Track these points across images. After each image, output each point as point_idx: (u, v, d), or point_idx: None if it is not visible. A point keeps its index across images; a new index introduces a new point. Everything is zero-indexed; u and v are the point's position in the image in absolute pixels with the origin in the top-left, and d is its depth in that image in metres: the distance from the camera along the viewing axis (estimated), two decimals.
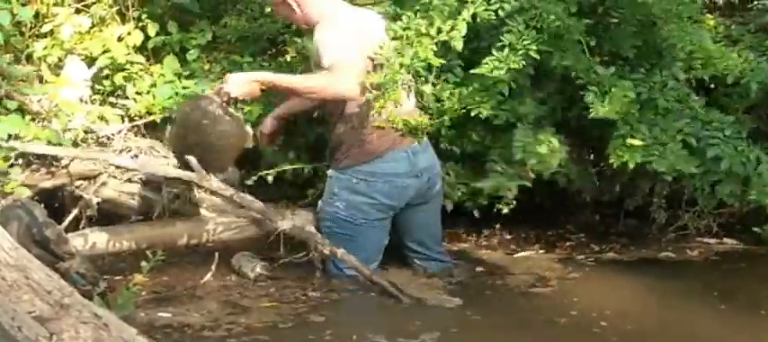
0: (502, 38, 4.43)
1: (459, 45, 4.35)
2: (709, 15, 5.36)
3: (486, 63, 4.38)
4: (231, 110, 4.62)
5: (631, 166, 4.61)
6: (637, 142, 4.57)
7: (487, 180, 4.95)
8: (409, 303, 4.48)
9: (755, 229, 5.25)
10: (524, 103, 4.84)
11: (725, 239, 5.71)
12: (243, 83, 4.57)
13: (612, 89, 4.59)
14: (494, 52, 4.41)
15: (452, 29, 4.28)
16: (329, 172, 4.77)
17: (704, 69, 4.75)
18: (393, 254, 4.96)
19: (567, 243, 5.60)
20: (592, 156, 5.32)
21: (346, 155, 4.68)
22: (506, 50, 4.40)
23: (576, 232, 5.74)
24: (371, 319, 4.40)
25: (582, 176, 5.36)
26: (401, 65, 4.19)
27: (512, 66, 4.35)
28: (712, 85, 5.13)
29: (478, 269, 5.06)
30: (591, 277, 5.00)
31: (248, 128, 4.78)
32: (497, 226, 5.59)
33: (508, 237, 5.64)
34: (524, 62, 4.41)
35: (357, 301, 4.62)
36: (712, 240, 5.66)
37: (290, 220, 4.85)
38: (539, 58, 4.47)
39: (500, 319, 4.36)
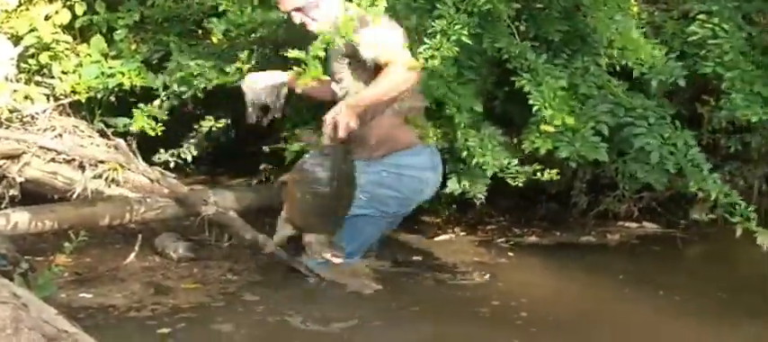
0: (433, 24, 4.38)
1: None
2: (633, 1, 5.39)
3: (421, 52, 4.30)
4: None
5: (542, 151, 4.57)
6: (550, 128, 4.52)
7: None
8: (329, 287, 4.50)
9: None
10: (465, 94, 4.77)
11: (645, 224, 5.79)
12: (350, 117, 4.18)
13: (546, 78, 4.59)
14: (426, 40, 4.35)
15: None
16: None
17: (621, 58, 4.77)
18: None
19: (488, 227, 5.62)
20: (515, 140, 5.28)
21: (378, 147, 4.52)
22: (439, 37, 4.33)
23: (496, 216, 5.75)
24: (293, 302, 4.33)
25: None
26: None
27: (446, 54, 4.28)
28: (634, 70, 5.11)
29: (398, 254, 5.05)
30: (511, 262, 5.03)
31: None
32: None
33: (427, 220, 5.64)
34: (458, 49, 4.34)
35: (279, 283, 4.55)
36: (633, 224, 5.72)
37: (214, 205, 4.82)
38: (471, 43, 4.43)
39: (418, 305, 4.34)
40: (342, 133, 4.11)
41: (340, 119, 4.13)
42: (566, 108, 4.54)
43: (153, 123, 5.06)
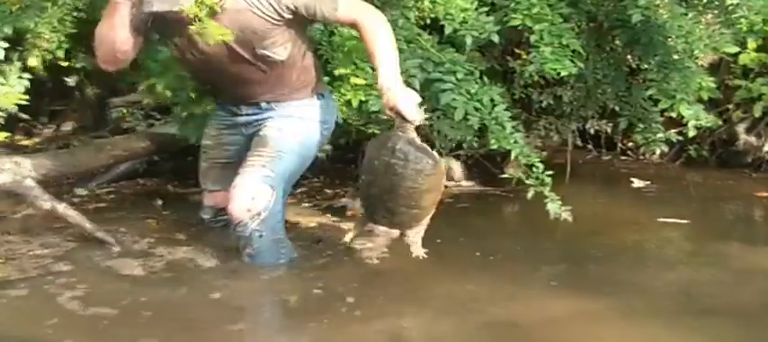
0: None
1: None
2: None
3: None
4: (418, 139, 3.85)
5: (355, 105, 4.46)
6: (360, 81, 4.43)
7: None
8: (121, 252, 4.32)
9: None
10: None
11: (462, 182, 5.76)
12: (412, 97, 3.80)
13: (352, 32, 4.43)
14: None
15: None
16: (305, 102, 4.15)
17: (431, 11, 4.67)
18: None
19: (300, 190, 5.39)
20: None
21: (312, 83, 4.14)
22: None
23: (309, 177, 5.56)
24: (105, 275, 4.07)
25: None
26: None
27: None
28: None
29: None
30: (322, 225, 4.85)
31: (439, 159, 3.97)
32: None
33: None
34: None
35: (86, 256, 4.27)
36: (451, 183, 5.65)
37: (10, 172, 4.56)
38: None
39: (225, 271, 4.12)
40: (416, 116, 3.77)
41: (405, 103, 3.75)
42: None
43: None
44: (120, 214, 4.90)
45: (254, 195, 3.89)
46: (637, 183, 6.10)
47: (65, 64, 5.72)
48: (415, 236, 3.92)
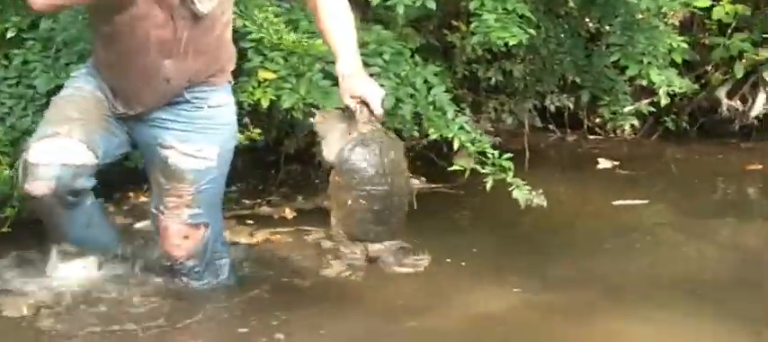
0: None
1: None
2: None
3: None
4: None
5: (265, 104, 4.10)
6: (270, 75, 4.08)
7: None
8: None
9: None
10: None
11: None
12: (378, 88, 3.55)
13: (263, 15, 4.14)
14: None
15: None
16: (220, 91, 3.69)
17: None
18: None
19: None
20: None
21: (229, 68, 3.73)
22: None
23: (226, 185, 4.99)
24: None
25: None
26: None
27: None
28: None
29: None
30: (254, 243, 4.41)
31: None
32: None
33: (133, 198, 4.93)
34: None
35: None
36: None
37: None
38: None
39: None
40: (380, 109, 3.47)
41: (371, 91, 3.48)
42: (286, 48, 4.11)
43: None
44: None
45: (185, 234, 3.65)
46: (603, 163, 5.88)
47: None
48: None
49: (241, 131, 4.16)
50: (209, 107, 3.60)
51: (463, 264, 4.10)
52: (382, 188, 3.45)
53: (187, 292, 3.69)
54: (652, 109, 5.69)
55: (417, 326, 3.49)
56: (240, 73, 4.10)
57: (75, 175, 3.40)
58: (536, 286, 3.84)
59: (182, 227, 3.63)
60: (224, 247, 3.83)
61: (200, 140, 3.59)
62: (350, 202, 3.47)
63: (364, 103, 3.45)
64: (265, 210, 4.81)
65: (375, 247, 3.57)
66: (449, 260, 4.09)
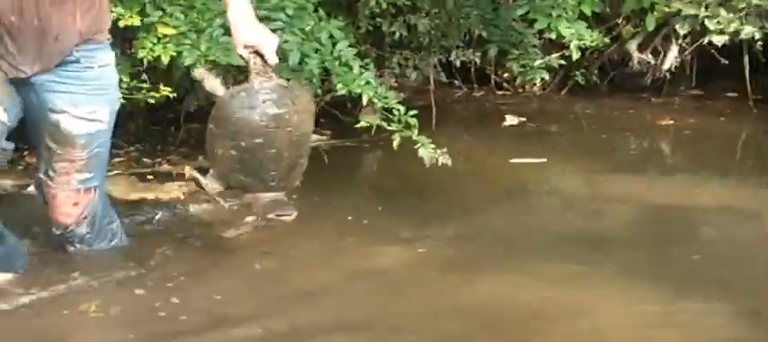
0: None
1: None
2: None
3: None
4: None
5: (165, 60, 3.99)
6: (170, 31, 3.97)
7: None
8: None
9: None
10: None
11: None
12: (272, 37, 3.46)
13: None
14: None
15: None
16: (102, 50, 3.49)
17: None
18: None
19: (116, 159, 4.74)
20: (130, 50, 4.44)
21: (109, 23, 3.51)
22: None
23: (125, 145, 4.94)
24: None
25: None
26: None
27: None
28: None
29: None
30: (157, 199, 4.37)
31: None
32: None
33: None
34: None
35: None
36: None
37: None
38: None
39: None
40: (275, 58, 3.39)
41: (265, 40, 3.38)
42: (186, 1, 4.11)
43: None
44: None
45: (75, 201, 3.54)
46: (510, 119, 5.84)
47: None
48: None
49: (141, 90, 4.16)
50: (99, 67, 3.45)
51: (365, 222, 4.07)
52: (254, 141, 3.38)
53: (81, 258, 3.60)
54: (562, 62, 5.61)
55: (307, 282, 3.46)
56: (140, 28, 4.02)
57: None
58: (431, 243, 3.82)
59: (71, 193, 3.53)
60: (111, 209, 3.75)
61: (93, 102, 3.45)
62: (220, 151, 3.44)
63: (258, 53, 3.38)
64: (165, 168, 4.72)
65: (248, 198, 3.56)
66: (350, 218, 4.10)
